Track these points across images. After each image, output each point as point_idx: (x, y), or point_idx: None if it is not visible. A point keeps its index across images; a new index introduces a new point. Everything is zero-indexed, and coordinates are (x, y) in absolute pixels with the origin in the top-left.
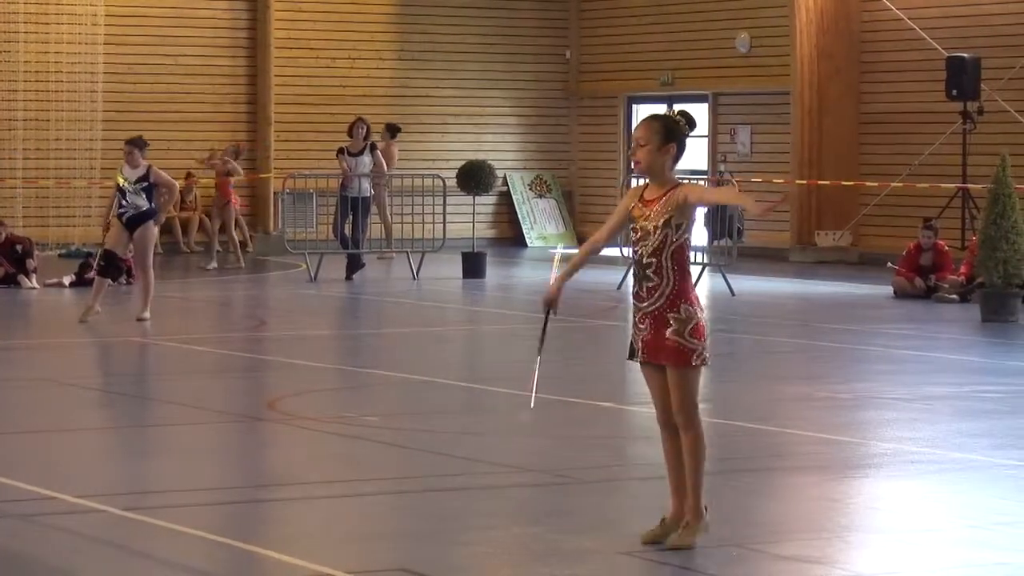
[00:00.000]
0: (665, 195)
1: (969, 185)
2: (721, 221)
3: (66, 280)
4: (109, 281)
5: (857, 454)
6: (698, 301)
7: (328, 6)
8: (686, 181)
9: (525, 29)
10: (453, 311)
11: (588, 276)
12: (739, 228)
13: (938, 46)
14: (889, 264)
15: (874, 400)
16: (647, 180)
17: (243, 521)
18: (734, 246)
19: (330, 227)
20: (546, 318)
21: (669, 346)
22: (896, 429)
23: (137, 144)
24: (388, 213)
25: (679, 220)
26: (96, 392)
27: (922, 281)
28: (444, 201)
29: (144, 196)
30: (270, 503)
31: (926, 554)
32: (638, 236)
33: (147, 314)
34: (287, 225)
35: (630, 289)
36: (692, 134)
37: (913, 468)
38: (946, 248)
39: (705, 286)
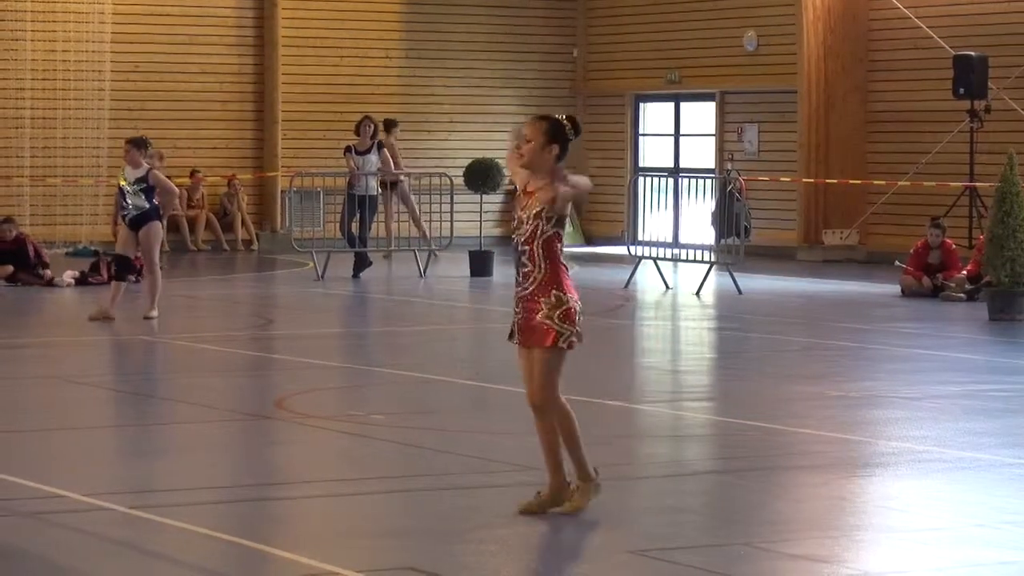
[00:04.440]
0: (541, 188)
1: (976, 183)
2: (728, 220)
3: (68, 277)
4: (124, 285)
5: (865, 453)
6: (572, 289)
7: (335, 4)
8: (567, 175)
9: (532, 28)
10: (460, 309)
11: (594, 275)
12: (746, 227)
13: (945, 44)
14: (896, 263)
15: (881, 399)
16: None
17: (250, 519)
18: (741, 245)
19: (337, 225)
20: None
21: (538, 328)
22: (903, 428)
23: (136, 143)
24: (391, 212)
25: (549, 213)
26: (103, 390)
27: (929, 280)
28: (451, 199)
29: (144, 196)
30: (278, 501)
31: (934, 553)
32: (516, 224)
33: (155, 312)
34: (294, 223)
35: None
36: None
37: (920, 467)
38: (953, 247)
39: (712, 285)
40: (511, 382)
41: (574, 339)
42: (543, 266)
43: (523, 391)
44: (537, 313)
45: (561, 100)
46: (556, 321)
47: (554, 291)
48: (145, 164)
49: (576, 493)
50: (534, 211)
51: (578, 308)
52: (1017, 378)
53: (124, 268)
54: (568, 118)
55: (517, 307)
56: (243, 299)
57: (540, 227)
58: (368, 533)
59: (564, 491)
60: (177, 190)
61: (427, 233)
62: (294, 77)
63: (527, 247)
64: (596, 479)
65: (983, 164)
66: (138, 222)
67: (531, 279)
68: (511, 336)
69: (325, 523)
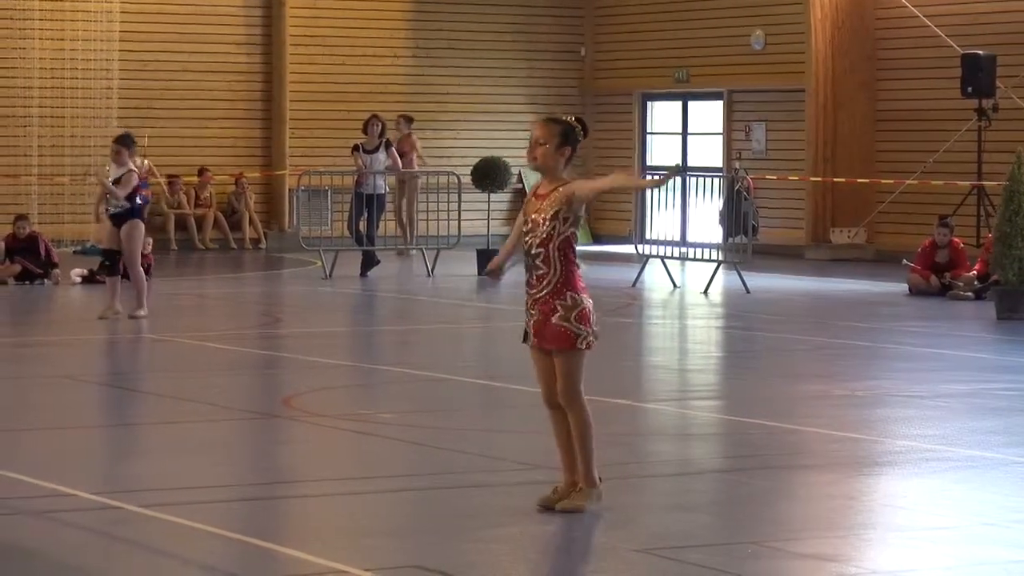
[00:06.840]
0: (555, 190)
1: (984, 182)
2: (736, 219)
3: (76, 276)
4: (119, 278)
5: (872, 452)
6: (585, 289)
7: (343, 4)
8: (576, 179)
9: (540, 26)
10: (468, 308)
11: (602, 273)
12: (754, 225)
13: (953, 43)
14: (904, 261)
15: (889, 398)
16: (541, 176)
17: (258, 518)
18: (749, 243)
19: (345, 224)
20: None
21: (555, 331)
22: (911, 426)
23: (123, 142)
24: (413, 209)
25: (566, 214)
26: (112, 389)
27: (937, 279)
28: (459, 198)
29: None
30: (286, 500)
31: (941, 551)
32: (529, 227)
33: (142, 312)
34: (302, 222)
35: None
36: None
37: (928, 465)
38: (961, 245)
39: (720, 283)
40: (520, 380)
41: (591, 339)
42: (558, 268)
43: (533, 389)
44: (553, 315)
45: (569, 99)
46: (573, 323)
47: (569, 292)
48: (129, 165)
49: (576, 493)
50: (550, 212)
51: (591, 307)
52: None
53: (113, 261)
54: (576, 119)
55: (532, 309)
56: (251, 298)
57: (557, 228)
58: (376, 531)
59: (573, 487)
60: (122, 195)
61: (408, 234)
62: (302, 76)
63: (542, 249)
64: (599, 486)
65: (991, 163)
66: (120, 218)
67: (545, 281)
68: (525, 338)
69: (333, 521)
